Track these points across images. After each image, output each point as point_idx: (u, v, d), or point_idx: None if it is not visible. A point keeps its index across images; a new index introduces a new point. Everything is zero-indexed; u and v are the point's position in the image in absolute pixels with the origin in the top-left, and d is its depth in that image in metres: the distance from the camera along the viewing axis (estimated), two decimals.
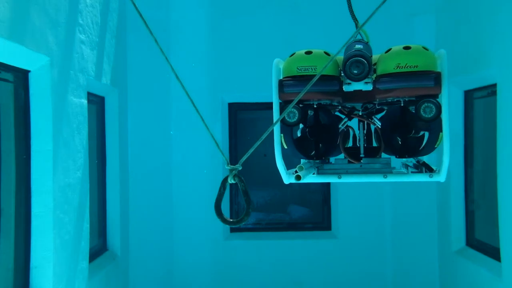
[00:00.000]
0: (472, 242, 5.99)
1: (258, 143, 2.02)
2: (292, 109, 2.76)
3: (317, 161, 2.99)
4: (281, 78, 2.84)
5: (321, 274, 6.95)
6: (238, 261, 6.98)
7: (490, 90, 5.41)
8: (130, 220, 6.59)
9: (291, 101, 2.69)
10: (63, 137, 4.40)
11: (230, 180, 1.94)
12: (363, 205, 6.92)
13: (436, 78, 2.62)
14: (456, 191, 6.15)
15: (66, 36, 4.44)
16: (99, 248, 5.88)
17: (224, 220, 1.93)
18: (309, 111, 2.95)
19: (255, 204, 7.32)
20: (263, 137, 2.02)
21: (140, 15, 1.96)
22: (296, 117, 2.78)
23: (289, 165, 2.87)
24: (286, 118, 2.78)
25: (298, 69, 2.75)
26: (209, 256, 6.98)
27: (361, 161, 3.00)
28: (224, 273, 6.97)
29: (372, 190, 6.73)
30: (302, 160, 3.00)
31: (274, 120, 2.77)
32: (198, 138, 6.68)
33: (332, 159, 3.14)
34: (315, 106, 2.90)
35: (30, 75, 4.12)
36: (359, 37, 3.01)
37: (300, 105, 2.82)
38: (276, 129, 2.82)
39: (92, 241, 5.32)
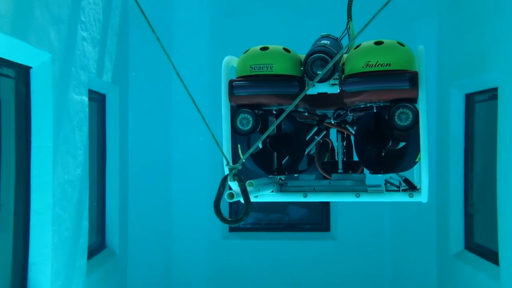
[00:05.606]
0: (471, 245, 5.98)
1: (258, 143, 2.02)
2: (246, 115, 2.38)
3: (281, 176, 2.56)
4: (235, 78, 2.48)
5: (319, 275, 6.95)
6: (236, 260, 6.98)
7: (491, 94, 5.41)
8: (129, 218, 6.59)
9: (243, 105, 2.40)
10: (63, 134, 4.40)
11: (230, 180, 1.93)
12: (362, 207, 6.90)
13: (411, 78, 2.21)
14: (455, 194, 6.15)
15: (68, 33, 4.45)
16: (97, 245, 5.88)
17: (223, 219, 1.92)
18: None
19: (254, 204, 7.30)
20: (263, 137, 2.02)
21: (142, 13, 1.96)
22: (250, 125, 2.37)
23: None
24: (239, 125, 2.39)
25: (252, 68, 2.37)
26: (208, 255, 6.98)
27: (331, 177, 2.60)
28: (222, 272, 6.97)
29: None
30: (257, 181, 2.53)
31: (224, 127, 2.47)
32: (198, 137, 6.68)
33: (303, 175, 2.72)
34: (274, 112, 2.46)
35: (32, 72, 4.12)
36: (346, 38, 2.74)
37: (258, 111, 2.43)
38: (226, 139, 2.45)
39: (91, 238, 5.32)
